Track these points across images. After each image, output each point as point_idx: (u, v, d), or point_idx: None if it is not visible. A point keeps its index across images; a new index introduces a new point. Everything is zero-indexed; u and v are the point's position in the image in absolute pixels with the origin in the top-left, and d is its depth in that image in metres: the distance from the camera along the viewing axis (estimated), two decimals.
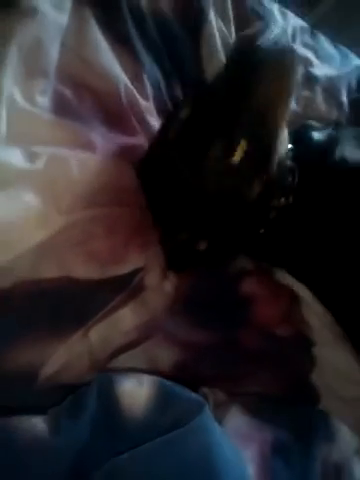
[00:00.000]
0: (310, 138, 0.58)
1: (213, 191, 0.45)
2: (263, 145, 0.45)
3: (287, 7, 1.08)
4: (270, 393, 0.50)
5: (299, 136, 0.57)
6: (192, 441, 0.32)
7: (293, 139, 0.55)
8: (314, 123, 0.64)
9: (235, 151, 0.43)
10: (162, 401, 0.35)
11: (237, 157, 0.44)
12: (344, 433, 0.48)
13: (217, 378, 0.48)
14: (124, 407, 0.34)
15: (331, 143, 0.58)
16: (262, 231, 0.54)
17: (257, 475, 0.39)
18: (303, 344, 0.57)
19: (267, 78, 0.43)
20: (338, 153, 0.56)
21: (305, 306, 0.62)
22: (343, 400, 0.58)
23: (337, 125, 0.64)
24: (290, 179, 0.51)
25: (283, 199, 0.51)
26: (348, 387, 0.59)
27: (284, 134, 0.49)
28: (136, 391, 0.35)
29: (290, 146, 0.52)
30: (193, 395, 0.37)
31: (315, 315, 0.62)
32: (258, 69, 0.42)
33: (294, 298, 0.61)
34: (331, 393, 0.57)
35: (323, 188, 0.55)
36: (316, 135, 0.59)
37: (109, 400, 0.35)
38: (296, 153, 0.52)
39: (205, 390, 0.45)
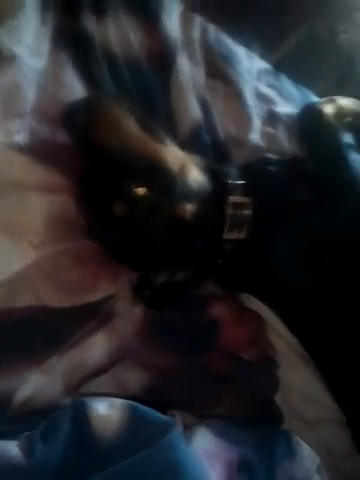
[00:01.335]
0: (266, 172, 0.63)
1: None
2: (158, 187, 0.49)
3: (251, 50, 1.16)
4: (236, 415, 0.52)
5: (255, 170, 0.62)
6: (160, 459, 0.34)
7: (248, 173, 0.59)
8: (271, 156, 0.69)
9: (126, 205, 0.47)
10: (133, 424, 0.37)
11: (121, 211, 0.47)
12: (305, 451, 0.51)
13: (185, 401, 0.50)
14: (97, 430, 0.36)
15: (286, 176, 0.62)
16: (221, 261, 0.57)
17: None
18: (268, 367, 0.60)
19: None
20: (292, 186, 0.61)
21: (271, 330, 0.65)
22: (306, 421, 0.61)
23: (294, 159, 0.69)
24: (242, 212, 0.55)
25: (236, 232, 0.55)
26: (311, 408, 0.62)
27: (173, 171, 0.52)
28: (108, 415, 0.37)
29: (241, 182, 0.56)
30: (162, 417, 0.39)
31: (280, 338, 0.65)
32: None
33: (260, 322, 0.65)
34: (295, 414, 0.60)
35: (280, 220, 0.59)
36: (272, 169, 0.64)
37: (82, 424, 0.36)
38: (251, 187, 0.57)
39: (174, 413, 0.47)
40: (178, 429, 0.39)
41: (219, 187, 0.56)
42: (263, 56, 1.41)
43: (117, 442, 0.35)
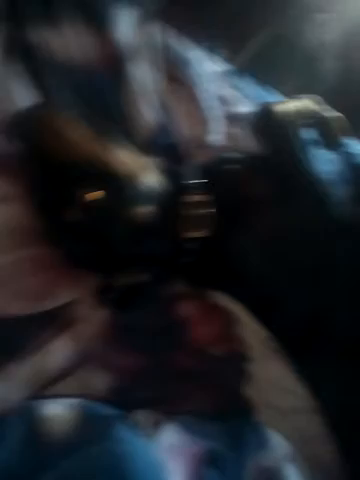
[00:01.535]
0: (226, 170, 0.64)
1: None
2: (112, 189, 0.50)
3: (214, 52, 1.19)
4: (206, 410, 0.53)
5: (214, 169, 0.63)
6: (106, 453, 0.35)
7: (207, 172, 0.61)
8: (233, 155, 0.70)
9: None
10: (82, 421, 0.38)
11: (74, 218, 0.48)
12: (275, 441, 0.52)
13: (153, 400, 0.51)
14: (47, 431, 0.37)
15: (246, 174, 0.64)
16: (185, 260, 0.58)
17: None
18: (239, 361, 0.61)
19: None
20: (252, 183, 0.62)
21: (242, 325, 0.66)
22: (280, 411, 0.62)
23: (254, 157, 0.70)
24: (201, 211, 0.56)
25: (196, 230, 0.56)
26: (284, 398, 0.63)
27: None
28: (58, 415, 0.38)
29: (199, 181, 0.57)
30: (111, 411, 0.40)
31: (252, 333, 0.66)
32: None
33: (231, 318, 0.66)
34: (268, 405, 0.61)
35: (240, 217, 0.60)
36: (232, 167, 0.65)
37: (33, 425, 0.37)
38: (209, 185, 0.58)
39: (140, 412, 0.47)
40: (128, 423, 0.39)
41: (176, 187, 0.57)
42: (228, 59, 1.44)
43: (67, 440, 0.36)
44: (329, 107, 0.85)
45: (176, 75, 0.78)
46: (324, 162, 0.89)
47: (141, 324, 0.54)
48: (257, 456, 0.49)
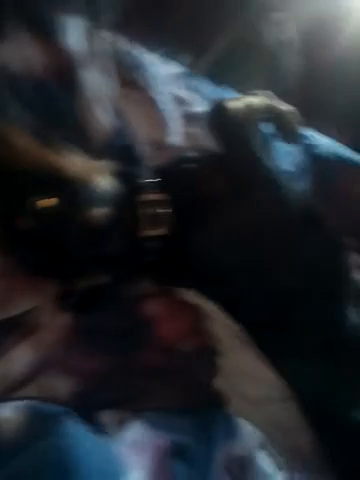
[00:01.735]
0: (183, 169, 0.66)
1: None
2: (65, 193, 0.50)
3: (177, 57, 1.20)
4: (176, 405, 0.53)
5: (171, 168, 0.64)
6: (52, 449, 0.35)
7: (164, 172, 0.62)
8: (191, 154, 0.72)
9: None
10: (31, 420, 0.38)
11: (27, 226, 0.48)
12: (246, 429, 0.53)
13: (121, 400, 0.51)
14: None
15: (203, 172, 0.65)
16: (147, 259, 0.59)
17: (154, 476, 0.42)
18: (207, 355, 0.61)
19: None
20: (209, 181, 0.63)
21: (210, 320, 0.67)
22: (252, 401, 0.63)
23: (211, 155, 0.71)
24: (158, 210, 0.57)
25: (154, 229, 0.57)
26: (256, 388, 0.64)
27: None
28: (9, 417, 0.38)
29: (154, 180, 0.58)
30: (59, 409, 0.40)
31: (221, 327, 0.67)
32: None
33: (199, 314, 0.66)
34: (240, 395, 0.62)
35: (199, 214, 0.61)
36: (190, 166, 0.67)
37: None
38: (166, 184, 0.59)
39: (105, 413, 0.48)
40: (77, 419, 0.39)
41: (131, 188, 0.58)
42: (191, 64, 1.46)
43: (17, 440, 0.36)
44: (282, 102, 0.87)
45: (131, 79, 0.79)
46: (283, 155, 0.91)
47: (105, 326, 0.55)
48: (227, 446, 0.50)
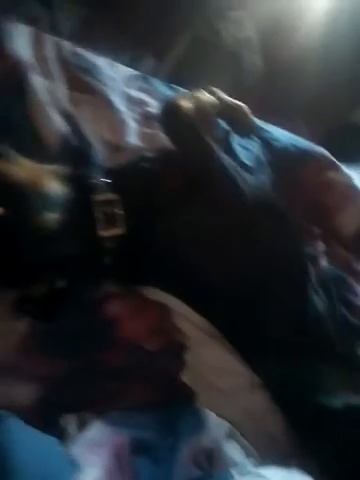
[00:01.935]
0: (137, 168, 0.66)
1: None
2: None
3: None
4: (143, 403, 0.53)
5: (126, 168, 0.64)
6: None
7: (118, 172, 0.62)
8: (146, 154, 0.72)
9: None
10: None
11: None
12: (212, 421, 0.53)
13: (85, 401, 0.51)
14: None
15: (157, 170, 0.65)
16: (107, 259, 0.59)
17: (113, 473, 0.42)
18: (174, 351, 0.62)
19: None
20: (163, 178, 0.64)
21: (177, 316, 0.67)
22: (223, 392, 0.64)
23: (166, 153, 0.72)
24: (112, 209, 0.57)
25: (111, 229, 0.57)
26: (226, 379, 0.65)
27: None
28: None
29: (107, 181, 0.58)
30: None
31: (188, 322, 0.67)
32: None
33: (164, 311, 0.66)
34: (210, 388, 0.62)
35: (155, 211, 0.62)
36: (144, 165, 0.67)
37: None
38: (120, 184, 0.59)
39: (69, 416, 0.47)
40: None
41: (85, 190, 0.58)
42: (154, 66, 1.47)
43: None
44: (232, 98, 0.88)
45: (81, 84, 0.79)
46: (240, 150, 0.92)
47: (65, 329, 0.54)
48: (193, 439, 0.50)
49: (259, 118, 1.04)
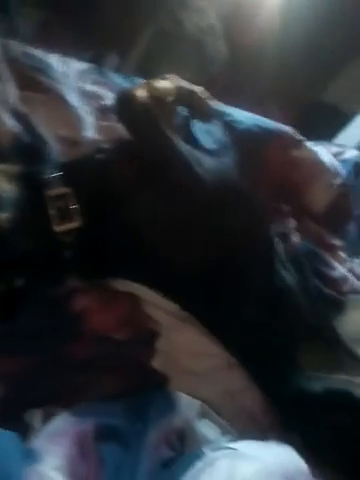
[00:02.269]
0: (91, 160, 0.65)
1: None
2: None
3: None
4: (114, 392, 0.53)
5: (79, 161, 0.64)
6: None
7: (72, 166, 0.61)
8: (103, 146, 0.71)
9: None
10: None
11: None
12: (184, 401, 0.53)
13: (50, 396, 0.50)
14: None
15: (112, 161, 0.65)
16: (68, 254, 0.58)
17: (75, 461, 0.42)
18: (145, 338, 0.62)
19: None
20: (118, 168, 0.63)
21: (148, 304, 0.67)
22: (198, 374, 0.64)
23: (122, 143, 0.71)
24: (66, 203, 0.57)
25: (67, 222, 0.57)
26: (200, 361, 0.65)
27: None
28: None
29: (59, 175, 0.58)
30: None
31: (159, 309, 0.67)
32: None
33: (134, 301, 0.66)
34: (183, 371, 0.62)
35: (110, 202, 0.62)
36: (99, 156, 0.67)
37: None
38: (73, 177, 0.59)
39: (33, 411, 0.47)
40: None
41: (36, 186, 0.57)
42: (119, 64, 1.46)
43: None
44: (198, 85, 0.88)
45: (32, 83, 0.79)
46: (203, 134, 0.92)
47: (26, 328, 0.54)
48: (163, 421, 0.50)
49: (228, 104, 1.04)
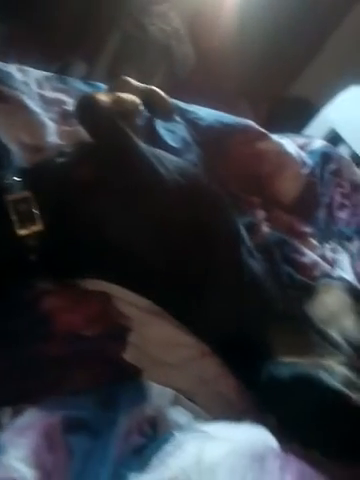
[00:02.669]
0: (51, 164, 0.67)
1: None
2: None
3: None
4: (85, 388, 0.54)
5: (39, 166, 0.65)
6: None
7: (31, 171, 0.62)
8: (64, 149, 0.73)
9: None
10: None
11: None
12: (156, 390, 0.54)
13: (21, 394, 0.51)
14: None
15: (72, 163, 0.66)
16: (34, 257, 0.59)
17: (42, 452, 0.42)
18: (115, 334, 0.63)
19: None
20: (77, 170, 0.65)
21: (119, 301, 0.68)
22: (172, 365, 0.65)
23: (82, 146, 0.73)
24: (27, 206, 0.58)
25: (30, 226, 0.57)
26: (174, 352, 0.66)
27: None
28: None
29: (18, 179, 0.59)
30: None
31: (130, 305, 0.68)
32: None
33: (104, 299, 0.67)
34: (156, 363, 0.63)
35: (70, 202, 0.63)
36: (59, 160, 0.68)
37: None
38: (33, 182, 0.60)
39: (2, 409, 0.48)
40: None
41: None
42: (86, 72, 1.47)
43: None
44: (167, 90, 0.90)
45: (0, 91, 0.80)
46: (164, 133, 0.94)
47: None
48: (135, 410, 0.51)
49: (201, 106, 1.06)
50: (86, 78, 1.14)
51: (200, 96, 1.14)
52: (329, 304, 0.79)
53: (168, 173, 0.71)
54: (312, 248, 0.98)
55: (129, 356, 0.60)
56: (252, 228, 0.93)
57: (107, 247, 0.65)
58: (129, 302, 0.68)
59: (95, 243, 0.65)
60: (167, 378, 0.62)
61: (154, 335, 0.66)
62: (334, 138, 1.45)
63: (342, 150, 1.38)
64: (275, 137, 1.10)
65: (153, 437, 0.49)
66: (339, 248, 1.05)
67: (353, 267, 1.00)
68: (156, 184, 0.69)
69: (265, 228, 0.96)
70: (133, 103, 0.80)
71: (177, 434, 0.48)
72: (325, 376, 0.60)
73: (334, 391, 0.58)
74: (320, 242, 1.03)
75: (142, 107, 0.85)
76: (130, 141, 0.70)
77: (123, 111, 0.77)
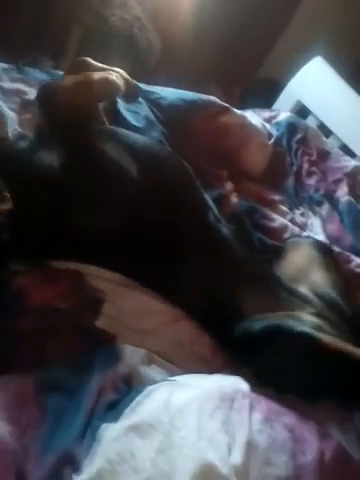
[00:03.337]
0: (13, 148, 0.68)
1: None
2: None
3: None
4: (61, 357, 0.56)
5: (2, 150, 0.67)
6: None
7: None
8: (26, 136, 0.74)
9: None
10: None
11: None
12: (128, 351, 0.57)
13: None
14: None
15: (33, 148, 0.68)
16: (5, 236, 0.61)
17: (15, 411, 0.44)
18: (88, 306, 0.64)
19: None
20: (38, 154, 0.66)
21: (92, 278, 0.70)
22: (147, 332, 0.67)
23: (40, 131, 0.74)
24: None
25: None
26: (148, 320, 0.68)
27: None
28: None
29: None
30: None
31: (103, 280, 0.70)
32: None
33: (76, 276, 0.69)
34: (130, 330, 0.65)
35: (33, 183, 0.64)
36: (21, 144, 0.69)
37: None
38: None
39: None
40: None
41: None
42: (53, 66, 1.47)
43: None
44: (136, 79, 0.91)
45: None
46: (128, 114, 0.95)
47: None
48: (108, 370, 0.53)
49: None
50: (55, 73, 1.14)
51: (169, 85, 1.15)
52: (297, 261, 0.81)
53: (131, 150, 0.72)
54: (282, 214, 1.01)
55: (102, 323, 0.62)
56: (222, 200, 0.95)
57: (72, 226, 0.67)
58: (101, 277, 0.70)
59: (60, 224, 0.66)
60: (142, 343, 0.64)
61: (128, 305, 0.68)
62: (301, 110, 1.47)
63: (310, 121, 1.41)
64: (238, 111, 1.12)
65: (127, 392, 0.51)
66: (310, 213, 1.07)
67: (324, 229, 1.03)
68: (117, 162, 0.71)
69: (234, 199, 0.98)
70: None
71: (148, 386, 0.50)
72: (295, 323, 0.62)
73: (304, 335, 0.60)
74: (290, 209, 1.05)
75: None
76: (92, 126, 0.72)
77: (85, 94, 0.77)
